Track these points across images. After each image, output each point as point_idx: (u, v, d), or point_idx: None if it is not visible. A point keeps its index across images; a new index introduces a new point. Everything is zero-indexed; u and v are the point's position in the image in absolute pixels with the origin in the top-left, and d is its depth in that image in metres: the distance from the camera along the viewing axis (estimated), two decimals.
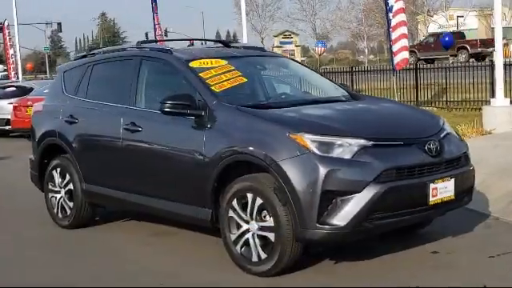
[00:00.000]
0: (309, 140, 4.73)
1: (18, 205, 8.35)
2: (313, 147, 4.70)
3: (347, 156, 4.69)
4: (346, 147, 4.71)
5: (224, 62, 5.93)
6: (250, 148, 4.96)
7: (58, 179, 6.93)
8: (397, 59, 15.54)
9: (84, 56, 7.23)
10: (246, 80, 5.84)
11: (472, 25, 54.84)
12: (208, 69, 5.77)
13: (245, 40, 19.97)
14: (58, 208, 6.96)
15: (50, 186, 7.05)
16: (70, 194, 6.83)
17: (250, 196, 4.99)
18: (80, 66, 7.05)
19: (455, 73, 17.30)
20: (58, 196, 6.96)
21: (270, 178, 4.87)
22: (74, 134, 6.64)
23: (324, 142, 4.73)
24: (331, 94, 6.15)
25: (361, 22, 61.95)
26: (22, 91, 17.86)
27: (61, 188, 6.92)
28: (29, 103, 15.50)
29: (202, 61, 5.89)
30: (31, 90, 17.64)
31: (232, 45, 7.04)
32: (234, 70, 5.82)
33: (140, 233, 6.55)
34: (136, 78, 6.13)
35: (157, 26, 27.18)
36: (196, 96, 5.48)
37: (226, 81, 5.65)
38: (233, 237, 5.14)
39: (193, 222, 5.60)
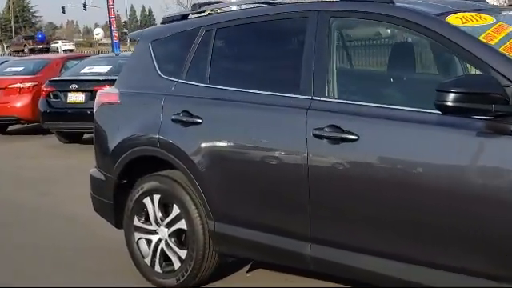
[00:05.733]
0: None
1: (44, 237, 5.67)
2: None
3: None
4: None
5: (491, 18, 3.50)
6: None
7: (154, 212, 4.35)
8: None
9: (184, 16, 4.59)
10: None
11: None
12: (483, 29, 3.33)
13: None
14: (154, 257, 4.38)
15: (138, 223, 4.45)
16: (180, 237, 4.27)
17: None
18: (185, 31, 4.43)
19: None
20: (155, 239, 4.38)
21: None
22: (196, 143, 4.04)
23: None
24: None
25: None
26: None
27: (160, 226, 4.33)
28: None
29: (462, 15, 3.43)
30: None
31: None
32: None
33: None
34: (323, 49, 3.61)
35: None
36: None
37: None
38: None
39: None
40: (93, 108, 10.19)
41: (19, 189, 7.93)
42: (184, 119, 4.10)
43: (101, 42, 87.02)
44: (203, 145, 4.00)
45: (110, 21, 26.34)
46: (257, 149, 3.79)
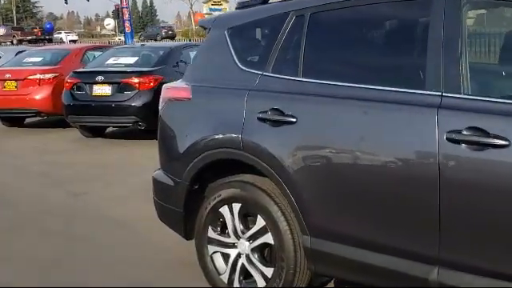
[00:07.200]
0: None
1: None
2: None
3: None
4: None
5: None
6: None
7: (233, 223, 3.83)
8: None
9: (265, 1, 4.02)
10: None
11: None
12: None
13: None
14: (232, 274, 3.86)
15: (214, 234, 3.92)
16: (263, 251, 3.74)
17: None
18: (269, 17, 3.88)
19: None
20: (233, 253, 3.85)
21: None
22: (290, 145, 3.49)
23: None
24: None
25: None
26: None
27: (239, 239, 3.80)
28: (7, 76, 11.86)
29: None
30: None
31: None
32: None
33: None
34: (454, 36, 3.03)
35: None
36: None
37: None
38: None
39: None
40: (119, 101, 9.85)
41: (48, 187, 7.41)
42: (273, 118, 3.55)
43: (102, 32, 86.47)
44: (299, 147, 3.46)
45: (122, 11, 25.75)
46: (368, 153, 3.24)
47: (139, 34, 56.94)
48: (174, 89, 4.17)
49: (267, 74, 3.71)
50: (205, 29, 4.28)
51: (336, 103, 3.37)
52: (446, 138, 2.93)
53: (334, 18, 3.59)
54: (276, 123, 3.54)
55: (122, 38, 54.83)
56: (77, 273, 4.63)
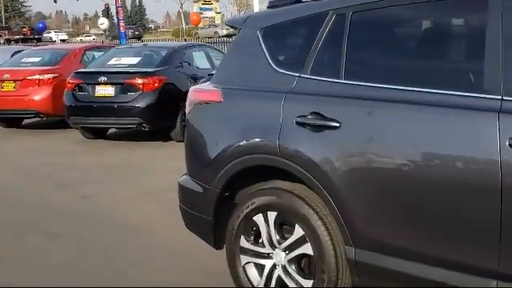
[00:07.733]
0: None
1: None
2: None
3: None
4: None
5: None
6: None
7: (269, 232, 3.64)
8: None
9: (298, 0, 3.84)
10: None
11: None
12: None
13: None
14: (267, 286, 3.67)
15: (246, 244, 3.74)
16: (300, 262, 3.56)
17: None
18: (306, 16, 3.69)
19: None
20: (269, 264, 3.67)
21: None
22: (333, 151, 3.31)
23: None
24: None
25: None
26: None
27: (274, 249, 3.62)
28: (6, 76, 11.62)
29: None
30: None
31: None
32: None
33: None
34: None
35: None
36: None
37: None
38: None
39: None
40: (122, 102, 9.64)
41: (54, 190, 7.22)
42: (314, 122, 3.37)
43: (89, 32, 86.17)
44: (343, 153, 3.27)
45: (117, 10, 25.49)
46: (420, 160, 3.06)
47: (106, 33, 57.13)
48: (203, 91, 3.98)
49: (305, 76, 3.53)
50: (235, 28, 4.10)
51: (385, 107, 3.19)
52: (509, 145, 2.76)
53: (379, 17, 3.40)
54: (317, 128, 3.36)
55: (91, 38, 54.66)
56: (79, 274, 4.49)
